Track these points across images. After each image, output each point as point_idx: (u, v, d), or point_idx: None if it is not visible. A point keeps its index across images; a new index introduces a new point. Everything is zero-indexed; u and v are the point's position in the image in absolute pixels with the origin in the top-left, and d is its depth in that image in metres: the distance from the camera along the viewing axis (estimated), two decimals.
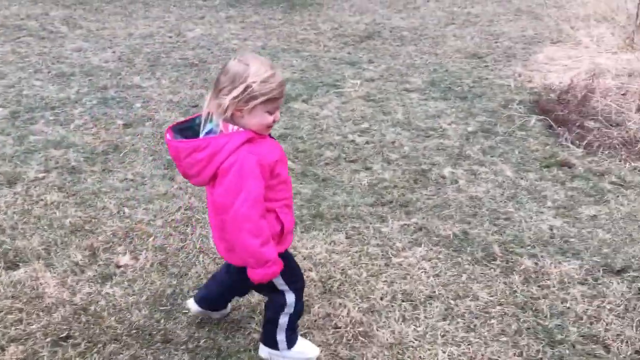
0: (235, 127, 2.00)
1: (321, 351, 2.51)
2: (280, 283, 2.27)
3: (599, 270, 3.07)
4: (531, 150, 4.43)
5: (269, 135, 2.12)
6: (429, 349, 2.56)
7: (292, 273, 2.31)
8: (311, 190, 3.85)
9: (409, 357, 2.52)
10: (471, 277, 3.03)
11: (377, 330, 2.67)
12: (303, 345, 2.47)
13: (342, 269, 3.08)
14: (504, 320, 2.75)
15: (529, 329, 2.69)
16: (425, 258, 3.18)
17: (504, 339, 2.63)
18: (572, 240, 3.34)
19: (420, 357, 2.52)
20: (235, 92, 1.93)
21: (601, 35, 7.14)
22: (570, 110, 4.89)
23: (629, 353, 2.55)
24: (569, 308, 2.82)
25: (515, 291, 2.93)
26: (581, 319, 2.75)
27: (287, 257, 2.24)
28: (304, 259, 3.14)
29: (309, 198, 3.75)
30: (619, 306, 2.82)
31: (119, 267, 3.04)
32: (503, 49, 7.08)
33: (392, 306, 2.81)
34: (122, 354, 2.48)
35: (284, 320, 2.35)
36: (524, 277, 3.04)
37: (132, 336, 2.58)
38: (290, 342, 2.41)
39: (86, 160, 4.17)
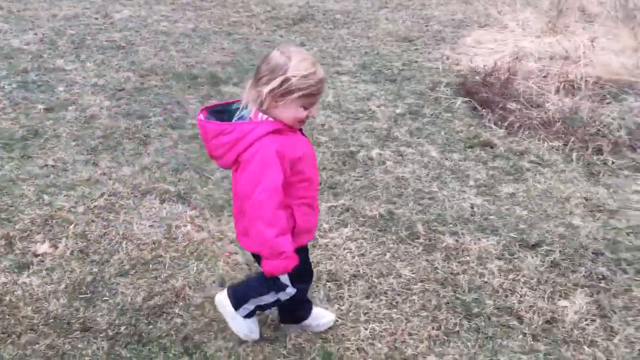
0: (265, 117, 1.99)
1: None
2: (284, 278, 2.24)
3: (515, 246, 3.20)
4: (456, 131, 4.55)
5: (301, 131, 2.12)
6: (351, 327, 2.62)
7: (299, 273, 2.24)
8: None
9: (331, 335, 2.56)
10: (395, 256, 3.11)
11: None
12: (253, 324, 2.45)
13: None
14: (424, 296, 2.83)
15: (448, 303, 2.78)
16: (351, 238, 3.23)
17: (424, 314, 2.72)
18: (491, 217, 3.46)
19: (342, 334, 2.57)
20: (273, 84, 1.92)
21: (526, 19, 7.36)
22: (493, 92, 5.04)
23: (540, 323, 2.68)
24: (486, 282, 2.93)
25: (437, 268, 3.02)
26: (497, 292, 2.87)
27: (301, 253, 2.18)
28: (231, 242, 3.13)
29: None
30: (532, 279, 2.95)
31: (36, 255, 2.95)
32: (433, 32, 7.20)
33: (317, 286, 2.85)
34: (38, 343, 2.42)
35: (268, 299, 2.32)
36: (446, 254, 3.13)
37: (49, 325, 2.52)
38: (249, 315, 2.40)
39: (4, 146, 4.00)
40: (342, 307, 2.73)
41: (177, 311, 2.63)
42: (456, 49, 6.58)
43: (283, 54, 1.95)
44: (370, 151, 4.19)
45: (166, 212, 3.36)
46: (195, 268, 2.93)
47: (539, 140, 4.44)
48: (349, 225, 3.34)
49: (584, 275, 2.97)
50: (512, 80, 5.23)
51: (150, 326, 2.54)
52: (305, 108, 1.99)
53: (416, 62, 6.08)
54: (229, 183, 3.69)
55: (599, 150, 4.32)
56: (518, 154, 4.25)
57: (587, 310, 2.75)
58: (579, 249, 3.17)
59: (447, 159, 4.14)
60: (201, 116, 2.06)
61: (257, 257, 2.18)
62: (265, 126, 1.97)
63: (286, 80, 1.91)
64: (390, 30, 7.17)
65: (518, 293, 2.86)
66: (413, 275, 2.96)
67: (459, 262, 3.07)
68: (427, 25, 7.48)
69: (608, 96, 5.06)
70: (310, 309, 2.55)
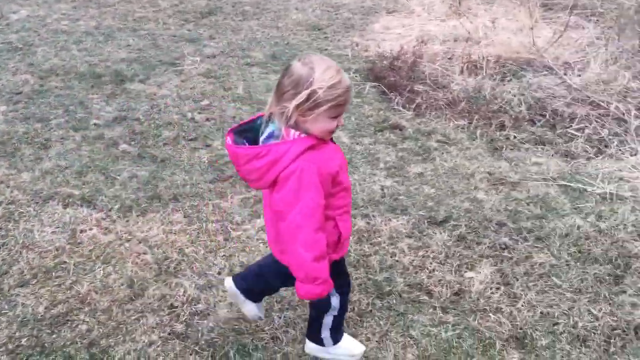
0: (297, 133, 1.87)
1: (155, 332, 2.47)
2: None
3: (424, 223, 3.29)
4: (366, 116, 4.62)
5: (331, 139, 2.02)
6: (266, 316, 2.61)
7: (341, 280, 2.21)
8: (148, 172, 3.73)
9: (245, 326, 2.55)
10: None
11: (215, 305, 2.67)
12: (348, 342, 2.41)
13: (180, 249, 3.03)
14: None
15: (360, 284, 2.83)
16: (263, 229, 3.21)
17: None
18: (400, 197, 3.54)
19: (256, 325, 2.56)
20: (299, 99, 1.79)
21: (431, 3, 7.56)
22: (401, 76, 5.15)
23: (448, 295, 2.76)
24: (397, 261, 3.00)
25: (349, 251, 3.06)
26: (407, 269, 2.94)
27: (339, 264, 2.16)
28: (139, 242, 3.05)
29: (146, 180, 3.63)
30: (441, 254, 3.05)
31: None
32: (342, 20, 7.26)
33: None
34: None
35: (328, 320, 2.29)
36: (358, 236, 3.18)
37: None
38: (336, 339, 2.35)
39: None
40: None
41: (82, 317, 2.54)
42: (365, 35, 6.67)
43: (305, 65, 1.81)
44: None
45: (70, 217, 3.23)
46: (101, 272, 2.83)
47: (445, 120, 4.58)
48: (261, 216, 3.32)
49: (488, 246, 3.09)
50: (419, 64, 5.36)
51: (54, 335, 2.44)
52: (334, 118, 1.87)
53: (326, 49, 6.11)
54: (137, 183, 3.59)
55: (501, 126, 4.50)
56: (426, 134, 4.36)
57: (492, 279, 2.86)
58: (483, 221, 3.30)
59: (357, 144, 4.19)
60: (229, 140, 1.93)
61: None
62: (300, 144, 1.84)
63: (313, 93, 1.79)
64: (300, 20, 7.18)
65: (427, 269, 2.95)
66: None
67: (370, 244, 3.12)
68: (336, 14, 7.54)
69: (508, 74, 5.28)
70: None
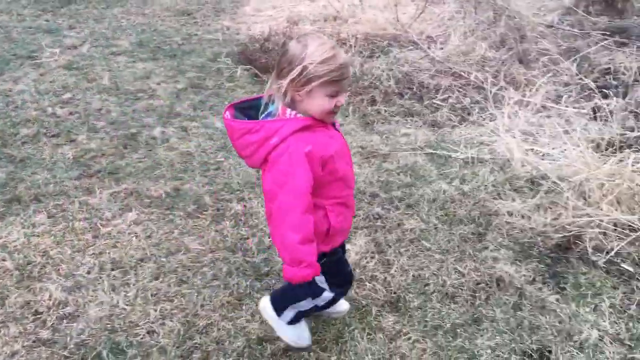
0: (294, 113, 1.86)
1: (18, 341, 2.31)
2: (320, 280, 2.12)
3: None
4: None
5: (333, 125, 1.96)
6: (140, 311, 2.52)
7: (337, 274, 2.17)
8: (5, 173, 3.47)
9: (119, 324, 2.45)
10: (183, 232, 3.05)
11: (85, 305, 2.54)
12: (301, 329, 2.32)
13: (44, 251, 2.85)
14: (215, 265, 2.82)
15: (238, 268, 2.80)
16: (136, 222, 3.10)
17: (216, 283, 2.71)
18: None
19: (130, 321, 2.47)
20: (292, 74, 1.79)
21: None
22: (273, 57, 5.13)
23: None
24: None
25: (226, 236, 3.02)
26: None
27: (333, 257, 2.09)
28: None
29: (3, 183, 3.38)
30: None
31: None
32: (213, 4, 7.13)
33: (101, 277, 2.70)
34: None
35: (306, 304, 2.22)
36: (234, 220, 3.14)
37: None
38: (293, 321, 2.28)
39: None
40: (130, 294, 2.61)
41: None
42: (236, 18, 6.59)
43: (299, 43, 1.82)
44: (152, 130, 4.05)
45: None
46: None
47: None
48: (133, 209, 3.20)
49: (362, 218, 3.17)
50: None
51: None
52: (332, 97, 1.83)
53: (196, 34, 5.98)
54: None
55: (373, 101, 4.63)
56: None
57: (367, 249, 2.94)
58: (357, 194, 3.37)
59: None
60: (227, 114, 1.92)
61: None
62: (293, 123, 1.83)
63: (304, 68, 1.77)
64: (168, 5, 6.96)
65: None
66: (203, 247, 2.93)
67: (248, 227, 3.10)
68: None
69: (377, 50, 5.42)
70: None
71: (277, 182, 1.85)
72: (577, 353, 2.33)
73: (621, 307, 2.56)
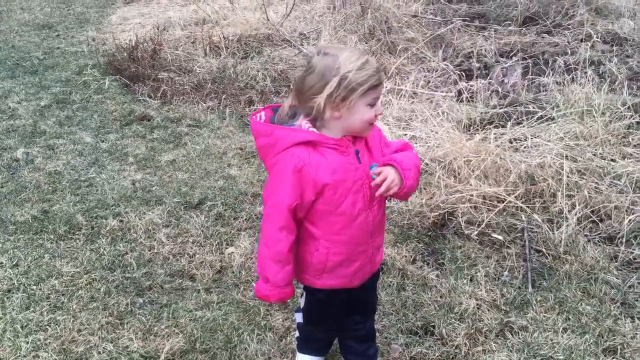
0: (307, 125, 1.70)
1: None
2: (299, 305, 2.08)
3: (180, 210, 3.22)
4: (110, 111, 4.37)
5: (356, 154, 1.74)
6: (9, 346, 2.33)
7: (313, 314, 2.04)
8: None
9: None
10: (55, 255, 2.85)
11: None
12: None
13: None
14: (92, 286, 2.66)
15: (118, 286, 2.67)
16: (0, 251, 2.87)
17: (94, 304, 2.56)
18: (153, 188, 3.42)
19: (0, 357, 2.27)
20: (329, 88, 1.61)
21: None
22: (143, 65, 4.96)
23: (211, 275, 2.74)
24: (156, 253, 2.89)
25: (103, 254, 2.87)
26: (168, 259, 2.85)
27: (321, 295, 1.94)
28: None
29: None
30: (200, 236, 3.01)
31: None
32: (76, 15, 6.79)
33: None
34: None
35: (298, 318, 2.19)
36: (111, 237, 2.99)
37: None
38: (298, 348, 2.21)
39: None
40: None
41: None
42: (102, 29, 6.31)
43: (327, 55, 1.66)
44: (14, 152, 3.78)
45: None
46: None
47: (194, 104, 4.53)
48: None
49: (245, 219, 3.13)
50: (160, 51, 5.21)
51: None
52: (371, 106, 1.68)
53: (59, 48, 5.67)
54: None
55: (250, 102, 4.60)
56: (175, 121, 4.27)
57: (252, 249, 2.90)
58: (238, 196, 3.33)
59: (103, 142, 3.95)
60: (262, 114, 1.79)
61: None
62: (298, 135, 1.69)
63: (343, 78, 1.61)
64: (26, 19, 6.55)
65: (188, 254, 2.89)
66: (77, 269, 2.76)
67: (126, 242, 2.96)
68: (68, 9, 7.03)
69: (250, 51, 5.39)
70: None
71: (266, 192, 1.78)
72: (458, 324, 2.42)
73: (495, 274, 2.69)
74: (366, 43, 5.24)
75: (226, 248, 2.93)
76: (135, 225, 3.08)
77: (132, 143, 3.93)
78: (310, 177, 1.69)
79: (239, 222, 3.11)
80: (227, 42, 5.39)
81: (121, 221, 3.11)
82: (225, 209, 3.22)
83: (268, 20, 5.67)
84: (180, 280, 2.72)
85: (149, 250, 2.91)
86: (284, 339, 2.38)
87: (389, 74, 4.81)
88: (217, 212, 3.19)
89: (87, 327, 2.44)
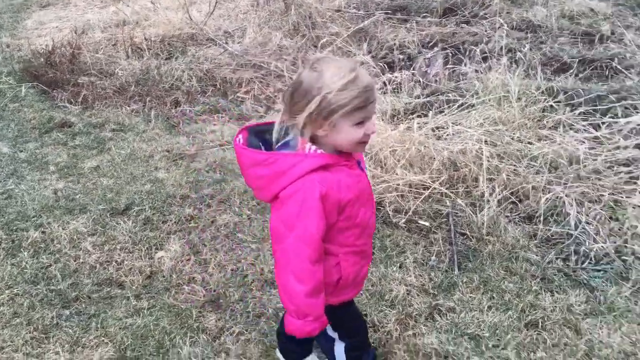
0: (314, 148, 1.62)
1: None
2: (329, 329, 1.97)
3: (106, 217, 3.13)
4: (28, 120, 4.21)
5: (359, 164, 1.72)
6: None
7: (347, 328, 2.01)
8: None
9: None
10: None
11: None
12: None
13: None
14: (14, 302, 2.57)
15: (42, 299, 2.58)
16: None
17: (17, 320, 2.46)
18: (77, 196, 3.31)
19: None
20: (308, 109, 1.55)
21: None
22: (61, 70, 4.80)
23: (140, 281, 2.69)
24: (82, 263, 2.81)
25: (25, 268, 2.76)
26: (95, 268, 2.77)
27: (343, 310, 1.88)
28: None
29: None
30: (128, 242, 2.94)
31: None
32: None
33: None
34: None
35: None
36: (33, 249, 2.89)
37: None
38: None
39: None
40: None
41: None
42: (17, 34, 6.06)
43: (313, 70, 1.57)
44: None
45: None
46: None
47: (117, 108, 4.41)
48: None
49: (174, 222, 3.08)
50: (79, 55, 5.05)
51: None
52: (360, 125, 1.59)
53: None
54: None
55: (176, 103, 4.52)
56: (98, 126, 4.15)
57: (182, 252, 2.86)
58: (167, 199, 3.27)
59: (21, 151, 3.80)
60: (240, 138, 1.68)
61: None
62: (311, 161, 1.60)
63: (323, 99, 1.54)
64: None
65: (116, 261, 2.82)
66: None
67: (49, 253, 2.86)
68: None
69: (174, 51, 5.30)
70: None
71: (285, 223, 1.64)
72: (389, 310, 2.47)
73: (423, 260, 2.76)
74: (291, 39, 5.25)
75: (156, 252, 2.87)
76: (59, 236, 2.98)
77: (52, 151, 3.80)
78: (335, 199, 1.63)
79: (168, 225, 3.06)
80: (149, 43, 5.28)
81: (43, 232, 3.01)
82: (154, 213, 3.16)
83: (191, 19, 5.59)
84: (109, 289, 2.65)
85: (75, 261, 2.82)
86: (217, 340, 2.37)
87: None
88: (145, 216, 3.13)
89: (10, 344, 2.35)
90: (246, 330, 2.41)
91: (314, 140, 1.63)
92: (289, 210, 1.62)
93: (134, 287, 2.66)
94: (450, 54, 4.90)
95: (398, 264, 2.74)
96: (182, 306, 2.54)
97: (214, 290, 2.63)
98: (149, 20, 5.96)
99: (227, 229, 3.02)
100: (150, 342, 2.35)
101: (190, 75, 4.85)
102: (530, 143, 3.43)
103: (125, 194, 3.33)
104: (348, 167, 1.68)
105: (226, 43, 5.37)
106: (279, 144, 1.68)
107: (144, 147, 3.86)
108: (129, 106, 4.43)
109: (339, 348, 2.06)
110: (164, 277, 2.72)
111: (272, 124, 1.70)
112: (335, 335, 2.04)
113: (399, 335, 2.36)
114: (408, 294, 2.57)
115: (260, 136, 1.71)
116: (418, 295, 2.56)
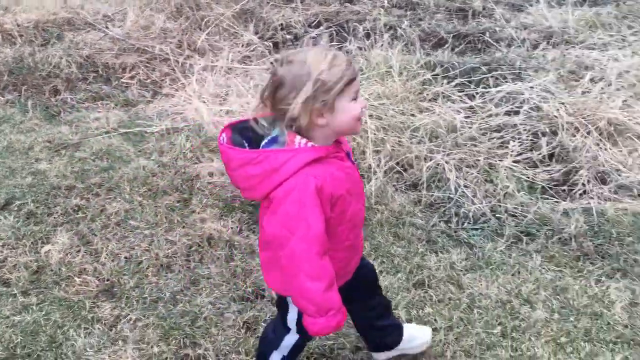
0: (304, 141, 1.56)
1: None
2: (291, 319, 1.83)
3: None
4: None
5: (348, 155, 1.68)
6: None
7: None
8: None
9: None
10: None
11: None
12: None
13: None
14: None
15: None
16: None
17: None
18: None
19: None
20: (303, 95, 1.49)
21: None
22: None
23: (27, 277, 2.57)
24: None
25: None
26: None
27: None
28: None
29: None
30: (11, 238, 2.80)
31: None
32: None
33: None
34: None
35: (290, 340, 1.90)
36: None
37: None
38: None
39: None
40: None
41: None
42: None
43: (291, 64, 1.54)
44: None
45: None
46: None
47: None
48: None
49: (61, 214, 2.97)
50: None
51: None
52: (355, 99, 1.58)
53: None
54: None
55: (55, 91, 4.32)
56: None
57: (71, 244, 2.76)
58: (51, 191, 3.13)
59: None
60: (223, 137, 1.60)
61: (279, 302, 1.88)
62: (304, 154, 1.55)
63: (316, 81, 1.50)
64: None
65: None
66: None
67: None
68: None
69: (50, 37, 5.02)
70: (401, 334, 2.13)
71: (286, 226, 1.56)
72: None
73: None
74: (175, 21, 5.14)
75: (42, 247, 2.76)
76: None
77: None
78: (329, 192, 1.58)
79: (54, 217, 2.94)
80: (21, 29, 4.97)
81: None
82: (37, 206, 3.02)
83: (66, 2, 5.32)
84: None
85: None
86: (113, 328, 2.34)
87: (203, 52, 4.78)
88: (28, 210, 2.99)
89: None
90: (144, 316, 2.39)
91: (301, 133, 1.57)
92: (287, 211, 1.55)
93: (20, 284, 2.55)
94: (335, 33, 5.01)
95: None
96: (73, 298, 2.47)
97: (107, 280, 2.58)
98: (20, 5, 5.59)
99: (117, 216, 2.95)
100: (42, 338, 2.28)
101: (69, 62, 4.62)
102: (412, 115, 3.61)
103: (4, 188, 3.15)
104: (339, 159, 1.64)
105: (106, 27, 5.16)
106: (266, 141, 1.63)
107: (22, 138, 3.66)
108: (2, 97, 4.17)
109: (292, 338, 1.91)
110: (52, 270, 2.62)
111: (255, 119, 1.64)
112: (293, 326, 1.87)
113: None
114: None
115: (244, 134, 1.64)
116: None
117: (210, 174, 3.25)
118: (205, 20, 5.12)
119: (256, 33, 5.12)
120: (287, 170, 1.54)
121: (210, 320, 2.36)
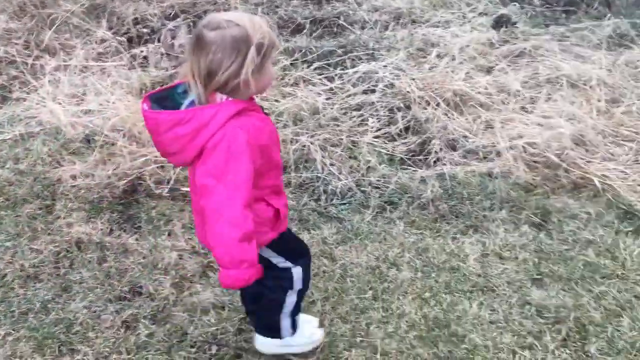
0: (224, 97, 1.61)
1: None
2: (280, 261, 1.96)
3: None
4: None
5: (262, 109, 1.76)
6: None
7: (294, 252, 2.00)
8: None
9: None
10: None
11: None
12: (306, 325, 2.19)
13: None
14: None
15: None
16: None
17: None
18: None
19: None
20: (250, 61, 1.55)
21: None
22: None
23: None
24: None
25: None
26: None
27: (285, 236, 1.93)
28: None
29: None
30: None
31: None
32: None
33: None
34: None
35: (291, 299, 2.05)
36: None
37: None
38: (294, 327, 2.12)
39: None
40: None
41: None
42: None
43: (224, 28, 1.55)
44: None
45: None
46: None
47: None
48: None
49: None
50: None
51: None
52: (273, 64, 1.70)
53: None
54: None
55: None
56: None
57: None
58: None
59: None
60: (145, 106, 1.65)
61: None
62: (228, 108, 1.60)
63: (260, 46, 1.57)
64: None
65: None
66: None
67: None
68: None
69: None
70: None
71: (213, 175, 1.61)
72: (163, 278, 2.54)
73: (191, 224, 2.85)
74: (19, 21, 4.83)
75: None
76: None
77: None
78: (256, 142, 1.65)
79: None
80: None
81: None
82: None
83: None
84: None
85: None
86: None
87: (54, 51, 4.54)
88: None
89: None
90: (13, 330, 2.30)
91: (226, 92, 1.63)
92: (215, 160, 1.61)
93: None
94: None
95: (167, 232, 2.80)
96: None
97: None
98: None
99: None
100: None
101: None
102: (276, 100, 3.70)
103: None
104: (257, 112, 1.72)
105: None
106: (185, 105, 1.67)
107: None
108: None
109: (297, 270, 2.02)
110: None
111: (169, 88, 1.72)
112: (287, 263, 1.99)
113: (177, 298, 2.45)
114: (180, 258, 2.65)
115: (161, 103, 1.68)
116: (190, 257, 2.67)
117: (73, 177, 3.13)
118: (52, 17, 4.86)
119: (110, 29, 4.94)
120: (216, 123, 1.59)
121: (86, 325, 2.32)
